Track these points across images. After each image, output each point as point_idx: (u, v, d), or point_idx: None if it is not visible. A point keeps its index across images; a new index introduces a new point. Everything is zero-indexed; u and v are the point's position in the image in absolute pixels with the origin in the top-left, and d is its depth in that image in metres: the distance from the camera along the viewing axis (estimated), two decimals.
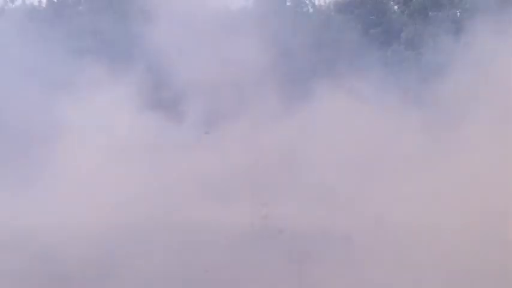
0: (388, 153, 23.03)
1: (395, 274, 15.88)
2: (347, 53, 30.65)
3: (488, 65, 21.73)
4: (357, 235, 19.07)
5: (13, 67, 25.97)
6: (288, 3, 35.71)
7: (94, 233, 18.90)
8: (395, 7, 35.72)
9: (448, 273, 15.60)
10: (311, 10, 36.59)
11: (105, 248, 17.94)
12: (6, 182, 22.80)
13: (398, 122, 23.82)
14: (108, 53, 28.57)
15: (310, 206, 21.98)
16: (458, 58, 24.12)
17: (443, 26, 30.41)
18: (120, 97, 25.31)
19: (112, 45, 30.35)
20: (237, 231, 19.68)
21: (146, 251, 18.05)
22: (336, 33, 32.74)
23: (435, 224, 18.29)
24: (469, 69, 22.67)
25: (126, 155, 23.97)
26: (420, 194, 20.26)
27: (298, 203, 22.16)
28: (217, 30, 26.36)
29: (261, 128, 25.32)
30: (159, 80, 27.74)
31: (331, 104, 24.81)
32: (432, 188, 19.99)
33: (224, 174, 23.88)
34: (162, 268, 16.72)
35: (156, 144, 25.08)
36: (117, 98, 25.27)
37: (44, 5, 35.41)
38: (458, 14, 32.47)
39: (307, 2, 36.58)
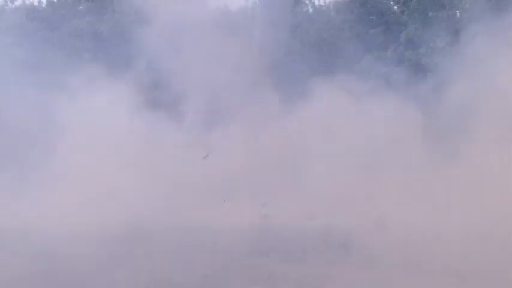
0: (388, 154, 23.07)
1: (395, 274, 15.86)
2: (347, 53, 30.71)
3: (489, 65, 21.75)
4: (357, 235, 19.04)
5: (13, 67, 25.98)
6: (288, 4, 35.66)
7: (94, 233, 18.87)
8: (395, 7, 35.70)
9: (449, 277, 15.58)
10: (311, 10, 36.60)
11: (105, 248, 17.90)
12: (6, 182, 22.79)
13: (398, 122, 23.85)
14: (108, 53, 28.61)
15: (310, 206, 21.99)
16: (458, 58, 24.15)
17: (443, 26, 30.43)
18: (120, 97, 25.32)
19: (112, 45, 30.39)
20: (237, 231, 19.65)
21: (146, 251, 18.03)
22: (336, 33, 32.79)
23: (438, 226, 18.28)
24: (469, 69, 22.69)
25: (126, 155, 23.97)
26: (420, 194, 20.27)
27: (298, 203, 22.16)
28: (217, 29, 26.40)
29: (261, 128, 25.34)
30: (159, 80, 27.78)
31: (332, 104, 24.87)
32: (434, 189, 19.98)
33: (224, 174, 23.88)
34: (162, 268, 16.69)
35: (156, 144, 25.09)
36: (117, 98, 25.27)
37: (44, 5, 35.44)
38: (458, 14, 32.45)
39: (307, 2, 36.59)
